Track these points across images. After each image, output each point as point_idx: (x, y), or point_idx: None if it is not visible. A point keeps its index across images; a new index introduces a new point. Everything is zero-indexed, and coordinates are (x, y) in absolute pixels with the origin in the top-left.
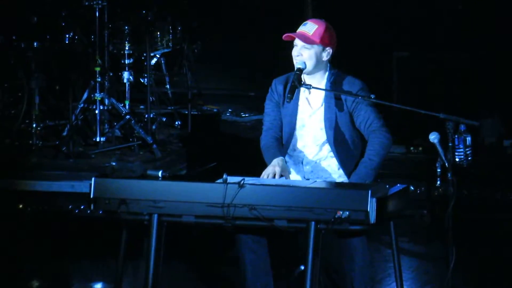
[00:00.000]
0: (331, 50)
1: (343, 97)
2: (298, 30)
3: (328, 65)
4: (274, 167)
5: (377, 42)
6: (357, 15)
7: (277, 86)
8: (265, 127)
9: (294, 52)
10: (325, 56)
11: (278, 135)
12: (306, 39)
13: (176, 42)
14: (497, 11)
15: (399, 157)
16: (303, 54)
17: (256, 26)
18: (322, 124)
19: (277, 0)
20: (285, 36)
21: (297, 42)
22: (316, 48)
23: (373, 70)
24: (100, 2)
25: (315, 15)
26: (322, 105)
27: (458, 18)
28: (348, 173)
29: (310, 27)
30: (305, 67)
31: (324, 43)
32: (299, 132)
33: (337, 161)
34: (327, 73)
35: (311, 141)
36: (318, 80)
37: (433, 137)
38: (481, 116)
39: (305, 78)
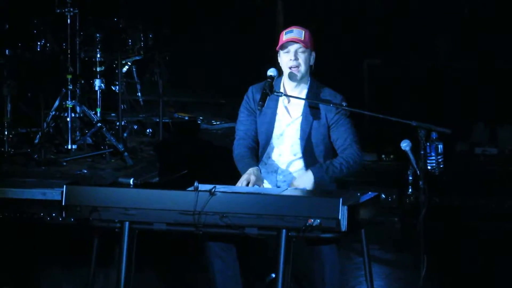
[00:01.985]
0: (314, 55)
1: (323, 110)
2: (288, 36)
3: (309, 75)
4: (249, 175)
5: (348, 49)
6: (328, 22)
7: (254, 93)
8: (238, 136)
9: (289, 57)
10: (312, 61)
11: (252, 145)
12: (304, 43)
13: (148, 50)
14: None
15: (371, 165)
16: (299, 59)
17: (228, 34)
18: (299, 134)
19: (248, 8)
20: (281, 44)
21: (290, 48)
22: (309, 52)
23: (345, 78)
24: (71, 9)
25: (286, 23)
26: (301, 115)
27: (430, 24)
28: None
29: (299, 33)
30: (276, 75)
31: (311, 47)
32: (275, 141)
33: (303, 171)
34: (308, 82)
35: (288, 150)
36: (301, 89)
37: (405, 144)
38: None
39: (290, 86)
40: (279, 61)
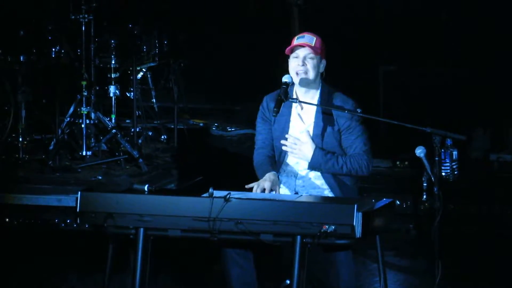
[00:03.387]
0: (325, 63)
1: (335, 115)
2: (299, 41)
3: (321, 80)
4: (264, 181)
5: (364, 56)
6: (344, 29)
7: (268, 103)
8: (257, 146)
9: (297, 62)
10: (321, 68)
11: (271, 154)
12: (311, 48)
13: (163, 56)
14: (484, 26)
15: (385, 172)
16: (307, 64)
17: (243, 40)
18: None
19: (265, 15)
20: (289, 48)
21: (299, 53)
22: (318, 59)
23: (360, 84)
24: (86, 16)
25: (301, 30)
26: (313, 121)
27: (445, 32)
28: (333, 191)
29: (310, 39)
30: (291, 81)
31: (322, 55)
32: None
33: (322, 177)
34: (319, 88)
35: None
36: (312, 95)
37: (419, 151)
38: (470, 130)
39: (301, 92)
40: (289, 66)
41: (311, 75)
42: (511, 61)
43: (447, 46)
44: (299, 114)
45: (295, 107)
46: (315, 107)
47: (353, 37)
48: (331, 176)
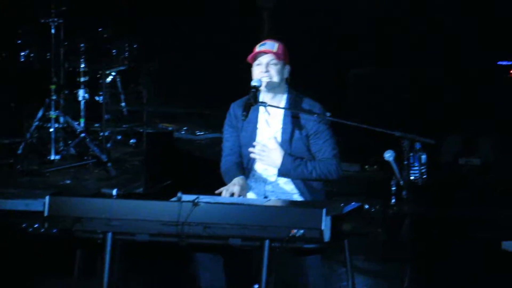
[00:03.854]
0: (289, 68)
1: (302, 120)
2: (261, 48)
3: (287, 85)
4: (233, 185)
5: (333, 59)
6: (313, 32)
7: (235, 110)
8: (224, 153)
9: (260, 69)
10: (286, 74)
11: (238, 160)
12: (276, 55)
13: (132, 60)
14: (454, 29)
15: (354, 175)
16: (270, 71)
17: (212, 44)
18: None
19: (234, 19)
20: (251, 56)
21: (262, 60)
22: (281, 64)
23: (329, 88)
24: (56, 19)
25: (271, 33)
26: (281, 126)
27: (415, 35)
28: (303, 195)
29: (271, 45)
30: (260, 85)
31: (285, 59)
32: None
33: (291, 182)
34: (286, 93)
35: None
36: (279, 100)
37: (388, 155)
38: (441, 134)
39: (268, 98)
40: (252, 74)
41: (276, 80)
42: (482, 65)
43: (418, 48)
44: (266, 120)
45: (262, 112)
46: (282, 113)
47: (322, 41)
48: (300, 181)
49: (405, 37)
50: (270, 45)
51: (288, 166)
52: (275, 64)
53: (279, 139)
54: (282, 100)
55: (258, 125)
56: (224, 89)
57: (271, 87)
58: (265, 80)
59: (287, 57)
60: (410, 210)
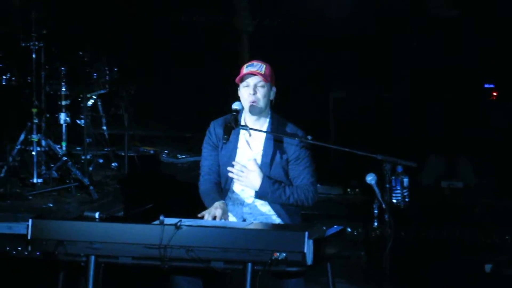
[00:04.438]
0: (275, 90)
1: (284, 144)
2: (248, 70)
3: (270, 109)
4: (215, 209)
5: (313, 82)
6: (294, 56)
7: (215, 128)
8: (203, 172)
9: (248, 91)
10: (272, 96)
11: (217, 180)
12: (263, 76)
13: (113, 83)
14: (437, 50)
15: (336, 199)
16: (258, 93)
17: (194, 67)
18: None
19: (215, 42)
20: (238, 78)
21: (250, 81)
22: (268, 86)
23: (310, 111)
24: (36, 43)
25: (252, 56)
26: (262, 149)
27: (397, 56)
28: (280, 217)
29: (259, 66)
30: (241, 108)
31: (272, 82)
32: None
33: (268, 204)
34: (269, 116)
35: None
36: (262, 123)
37: (370, 178)
38: (423, 157)
39: (251, 120)
40: (239, 94)
41: (262, 103)
42: (465, 87)
43: (400, 69)
44: (247, 141)
45: (243, 134)
46: (263, 135)
47: (302, 64)
48: (277, 204)
49: (386, 58)
50: (257, 67)
51: (267, 189)
52: (262, 86)
53: (259, 161)
54: (265, 123)
55: (239, 145)
56: (205, 112)
57: (257, 110)
58: (252, 102)
59: (273, 79)
60: (392, 233)
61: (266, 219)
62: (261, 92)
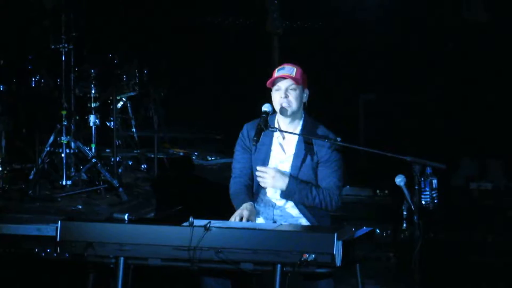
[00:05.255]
0: (308, 92)
1: (315, 147)
2: (280, 73)
3: (304, 111)
4: (242, 210)
5: (343, 84)
6: (324, 58)
7: (249, 131)
8: (234, 174)
9: (280, 95)
10: (305, 98)
11: (248, 183)
12: (295, 80)
13: (143, 85)
14: (466, 51)
15: (365, 200)
16: (289, 96)
17: (223, 69)
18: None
19: (245, 45)
20: (270, 81)
21: (281, 85)
22: (300, 89)
23: (340, 113)
24: (66, 45)
25: (281, 59)
26: (294, 151)
27: (426, 58)
28: (309, 220)
29: (291, 70)
30: (271, 110)
31: (304, 84)
32: None
33: (297, 208)
34: (302, 119)
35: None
36: (295, 126)
37: (399, 180)
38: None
39: (284, 122)
40: (272, 98)
41: (295, 106)
42: (495, 88)
43: (431, 73)
44: (280, 144)
45: (276, 137)
46: (296, 138)
47: (333, 66)
48: (304, 207)
49: (416, 61)
50: (289, 70)
51: (294, 188)
52: (294, 89)
53: (290, 163)
54: (298, 125)
55: (272, 148)
56: (235, 114)
57: (290, 113)
58: (285, 106)
59: (305, 81)
60: (421, 234)
61: (296, 222)
62: (292, 95)
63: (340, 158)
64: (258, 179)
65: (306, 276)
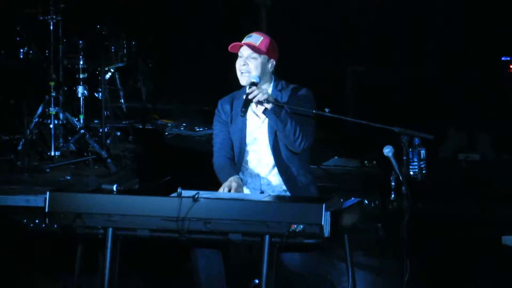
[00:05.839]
0: (274, 62)
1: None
2: (244, 41)
3: (273, 76)
4: (230, 183)
5: (332, 56)
6: (312, 30)
7: (223, 106)
8: (215, 148)
9: (240, 63)
10: (270, 68)
11: (230, 155)
12: (254, 48)
13: (131, 57)
14: (454, 25)
15: (353, 171)
16: (249, 64)
17: (211, 40)
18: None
19: (232, 14)
20: (231, 47)
21: (243, 52)
22: (262, 58)
23: (328, 84)
24: (54, 17)
25: (270, 29)
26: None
27: (415, 32)
28: (290, 189)
29: (256, 38)
30: (259, 81)
31: (269, 54)
32: (251, 147)
33: (278, 173)
34: (272, 83)
35: (266, 153)
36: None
37: (387, 150)
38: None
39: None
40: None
41: (253, 74)
42: (482, 60)
43: (418, 45)
44: (254, 112)
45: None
46: (268, 103)
47: (321, 37)
48: (289, 176)
49: (405, 35)
50: (254, 38)
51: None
52: (255, 58)
53: (266, 128)
54: (268, 90)
55: (247, 117)
56: (223, 85)
57: (249, 82)
58: (244, 73)
59: (272, 51)
60: (410, 205)
61: (280, 191)
62: (252, 64)
63: (312, 118)
64: (253, 94)
65: (284, 249)
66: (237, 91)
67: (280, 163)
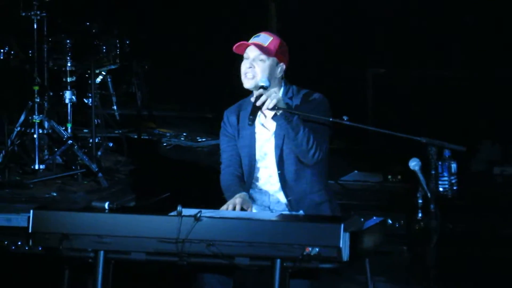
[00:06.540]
0: (284, 67)
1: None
2: (251, 41)
3: (283, 80)
4: (235, 198)
5: (350, 57)
6: (327, 27)
7: (229, 117)
8: (223, 165)
9: (246, 65)
10: (279, 72)
11: (238, 172)
12: (262, 49)
13: (124, 58)
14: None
15: (376, 187)
16: (256, 67)
17: (216, 41)
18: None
19: (239, 15)
20: (237, 47)
21: (249, 53)
22: (271, 61)
23: (346, 89)
24: (38, 12)
25: (279, 28)
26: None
27: (438, 34)
28: (292, 208)
29: (264, 38)
30: (269, 85)
31: (278, 57)
32: (261, 163)
33: (283, 193)
34: (282, 88)
35: (274, 168)
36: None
37: (414, 164)
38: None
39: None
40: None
41: (259, 78)
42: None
43: (448, 47)
44: (262, 124)
45: (258, 118)
46: (278, 110)
47: (337, 36)
48: (283, 189)
49: (435, 35)
50: (262, 38)
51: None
52: (262, 61)
53: (274, 139)
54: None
55: (256, 130)
56: (227, 90)
57: (255, 86)
58: (249, 77)
59: (282, 54)
60: (439, 225)
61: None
62: (259, 67)
63: (328, 128)
64: (261, 100)
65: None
66: (244, 100)
67: (284, 181)
